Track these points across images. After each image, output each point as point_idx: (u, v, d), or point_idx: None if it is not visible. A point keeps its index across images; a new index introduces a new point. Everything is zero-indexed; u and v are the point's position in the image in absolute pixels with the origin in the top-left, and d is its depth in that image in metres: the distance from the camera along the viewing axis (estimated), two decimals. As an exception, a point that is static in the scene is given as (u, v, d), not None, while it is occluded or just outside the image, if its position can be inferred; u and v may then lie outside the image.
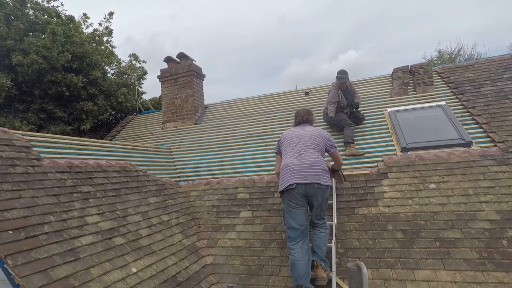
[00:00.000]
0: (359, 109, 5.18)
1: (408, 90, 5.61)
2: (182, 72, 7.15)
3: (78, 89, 7.40)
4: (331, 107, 4.86)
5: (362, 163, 4.26)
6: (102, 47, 8.86)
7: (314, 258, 2.91)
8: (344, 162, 4.29)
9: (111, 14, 8.95)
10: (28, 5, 7.44)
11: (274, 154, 5.13)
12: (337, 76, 4.94)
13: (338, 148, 3.60)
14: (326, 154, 3.28)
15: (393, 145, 4.38)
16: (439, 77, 5.73)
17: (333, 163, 3.51)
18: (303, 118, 3.38)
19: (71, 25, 7.60)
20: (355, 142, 4.60)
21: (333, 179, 3.62)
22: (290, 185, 2.88)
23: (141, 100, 10.14)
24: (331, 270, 2.86)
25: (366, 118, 5.16)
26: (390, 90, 5.79)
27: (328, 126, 5.20)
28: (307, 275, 2.73)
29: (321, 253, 2.94)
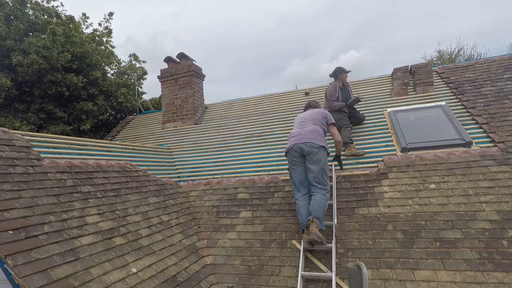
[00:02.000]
0: (358, 109, 5.20)
1: (408, 90, 5.61)
2: (182, 72, 7.15)
3: (78, 89, 7.39)
4: (336, 103, 4.83)
5: (362, 163, 4.26)
6: (102, 47, 8.85)
7: (309, 217, 3.15)
8: (344, 162, 4.31)
9: (110, 14, 8.95)
10: (28, 5, 7.43)
11: (275, 154, 5.22)
12: (342, 70, 5.05)
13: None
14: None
15: (393, 145, 4.38)
16: (439, 77, 5.73)
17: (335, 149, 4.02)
18: (310, 104, 4.16)
19: (71, 25, 7.60)
20: (354, 143, 4.60)
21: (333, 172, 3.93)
22: (290, 145, 3.57)
23: (141, 100, 10.14)
24: (330, 270, 2.86)
25: (366, 118, 5.16)
26: (390, 90, 5.79)
27: None
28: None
29: (315, 212, 3.15)
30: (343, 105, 4.84)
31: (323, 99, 6.17)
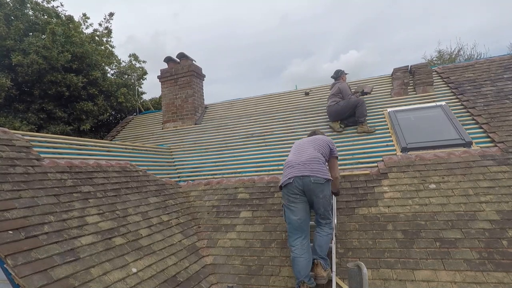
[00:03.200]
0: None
1: (408, 90, 5.61)
2: (182, 72, 7.15)
3: (78, 89, 7.39)
4: (353, 97, 5.13)
5: (362, 163, 4.26)
6: (102, 47, 8.86)
7: (314, 256, 2.89)
8: (344, 162, 4.32)
9: (111, 14, 8.95)
10: (28, 5, 7.44)
11: (274, 154, 5.16)
12: (343, 71, 5.50)
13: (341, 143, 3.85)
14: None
15: (393, 145, 4.38)
16: (439, 77, 5.73)
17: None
18: (315, 132, 3.74)
19: (70, 25, 7.60)
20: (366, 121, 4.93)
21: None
22: (288, 179, 2.99)
23: (141, 100, 10.14)
24: (331, 270, 2.86)
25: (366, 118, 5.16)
26: (390, 90, 5.79)
27: (329, 120, 5.33)
28: (308, 272, 2.76)
29: (321, 251, 2.90)
30: (358, 96, 5.25)
31: (323, 99, 6.18)
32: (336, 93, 5.22)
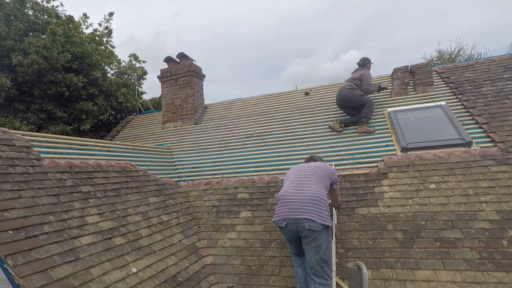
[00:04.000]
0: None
1: (408, 90, 5.61)
2: (182, 72, 7.15)
3: (78, 89, 7.39)
4: (371, 88, 5.14)
5: (362, 163, 4.26)
6: (102, 47, 8.85)
7: None
8: (344, 162, 4.32)
9: (111, 14, 8.95)
10: (28, 5, 7.44)
11: (274, 154, 5.12)
12: (369, 60, 5.51)
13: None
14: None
15: (393, 145, 4.38)
16: (439, 77, 5.73)
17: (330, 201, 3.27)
18: (312, 158, 3.48)
19: (70, 25, 7.60)
20: (363, 130, 4.88)
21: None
22: (281, 220, 2.65)
23: (141, 100, 10.14)
24: (331, 270, 2.86)
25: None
26: (390, 90, 5.79)
27: (329, 120, 5.29)
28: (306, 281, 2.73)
29: None
30: (376, 89, 5.25)
31: (323, 99, 6.19)
32: (356, 78, 5.15)
